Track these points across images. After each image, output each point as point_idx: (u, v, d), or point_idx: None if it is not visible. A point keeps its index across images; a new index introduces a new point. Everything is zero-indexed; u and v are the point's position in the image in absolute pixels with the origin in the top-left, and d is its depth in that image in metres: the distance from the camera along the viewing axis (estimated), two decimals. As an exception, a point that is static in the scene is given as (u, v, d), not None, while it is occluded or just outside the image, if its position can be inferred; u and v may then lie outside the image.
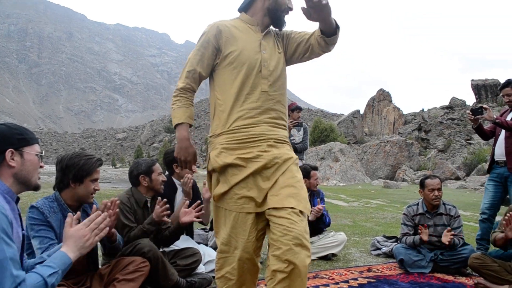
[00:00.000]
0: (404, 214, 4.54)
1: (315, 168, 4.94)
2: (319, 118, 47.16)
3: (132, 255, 2.97)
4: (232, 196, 2.31)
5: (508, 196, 4.63)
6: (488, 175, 4.81)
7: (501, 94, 4.66)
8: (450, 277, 3.99)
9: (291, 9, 2.48)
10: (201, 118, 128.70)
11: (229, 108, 2.36)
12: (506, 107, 4.76)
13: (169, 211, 3.19)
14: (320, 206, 4.65)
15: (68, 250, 1.80)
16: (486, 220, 4.65)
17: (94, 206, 2.57)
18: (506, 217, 3.44)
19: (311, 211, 4.63)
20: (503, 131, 4.57)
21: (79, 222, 1.92)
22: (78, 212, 2.04)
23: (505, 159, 4.50)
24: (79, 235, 1.84)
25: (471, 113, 4.60)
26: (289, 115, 6.47)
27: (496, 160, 4.65)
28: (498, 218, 4.50)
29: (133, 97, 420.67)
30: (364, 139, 50.21)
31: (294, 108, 6.45)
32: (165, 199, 3.19)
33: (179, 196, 3.94)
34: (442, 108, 53.14)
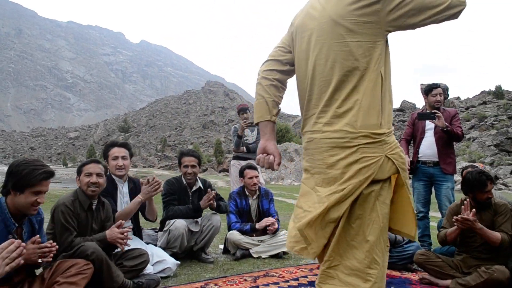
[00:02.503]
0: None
1: (250, 167, 4.98)
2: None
3: (75, 257, 2.86)
4: None
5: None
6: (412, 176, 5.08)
7: (433, 93, 4.92)
8: (397, 273, 4.10)
9: None
10: (156, 118, 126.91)
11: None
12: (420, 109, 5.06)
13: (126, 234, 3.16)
14: (272, 222, 4.75)
15: None
16: (423, 217, 4.94)
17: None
18: (459, 217, 3.55)
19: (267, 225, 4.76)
20: (429, 133, 4.89)
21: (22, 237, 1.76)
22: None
23: (436, 159, 4.82)
24: None
25: (418, 118, 4.88)
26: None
27: (423, 160, 4.91)
28: (432, 213, 4.71)
29: (86, 95, 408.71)
30: (319, 140, 51.03)
31: (240, 110, 6.53)
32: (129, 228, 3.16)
33: (122, 194, 3.87)
34: (394, 110, 54.76)
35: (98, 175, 3.23)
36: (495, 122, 35.02)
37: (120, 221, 3.20)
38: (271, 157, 2.04)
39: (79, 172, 3.29)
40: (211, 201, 4.33)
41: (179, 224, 4.15)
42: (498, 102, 42.09)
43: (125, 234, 3.15)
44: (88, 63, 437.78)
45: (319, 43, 1.89)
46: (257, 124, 2.12)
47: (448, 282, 3.66)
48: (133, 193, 3.89)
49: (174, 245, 4.17)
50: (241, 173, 5.00)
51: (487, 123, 35.46)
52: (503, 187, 18.85)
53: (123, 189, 3.89)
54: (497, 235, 3.57)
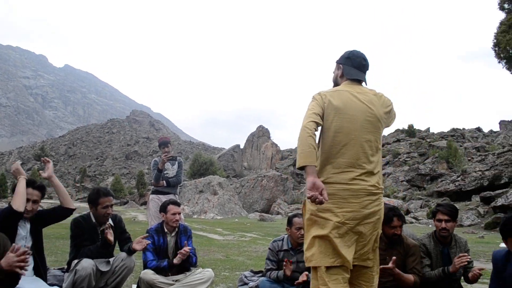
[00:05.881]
0: (269, 249, 4.66)
1: (174, 203, 4.86)
2: (199, 151, 47.30)
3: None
4: None
5: None
6: None
7: None
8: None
9: None
10: (76, 146, 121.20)
11: None
12: None
13: None
14: (186, 249, 4.59)
15: None
16: None
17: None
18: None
19: (178, 253, 4.57)
20: None
21: None
22: None
23: None
24: None
25: None
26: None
27: None
28: None
29: (1, 120, 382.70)
30: (243, 173, 51.34)
31: (162, 144, 6.50)
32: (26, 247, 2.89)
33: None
34: (316, 145, 56.59)
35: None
36: (408, 159, 37.37)
37: (14, 244, 2.94)
38: (325, 194, 2.64)
39: None
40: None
41: (86, 264, 3.91)
42: (410, 140, 45.08)
43: (23, 257, 2.84)
44: (5, 86, 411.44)
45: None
46: (303, 168, 2.74)
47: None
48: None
49: (81, 287, 3.92)
50: (163, 208, 4.84)
51: (400, 160, 37.73)
52: (414, 220, 19.95)
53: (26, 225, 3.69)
54: (411, 278, 3.78)
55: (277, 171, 38.21)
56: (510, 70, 22.90)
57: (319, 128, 2.92)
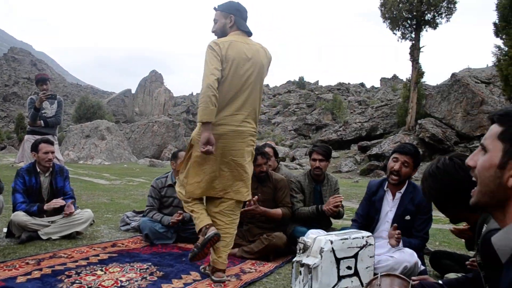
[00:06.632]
0: (152, 186, 4.64)
1: (47, 141, 4.53)
2: (86, 94, 44.55)
3: None
4: None
5: None
6: None
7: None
8: (191, 246, 4.22)
9: None
10: None
11: None
12: None
13: None
14: (71, 210, 4.40)
15: None
16: None
17: None
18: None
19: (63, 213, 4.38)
20: None
21: None
22: None
23: None
24: None
25: None
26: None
27: None
28: None
29: None
30: (134, 119, 49.77)
31: (39, 80, 6.00)
32: None
33: None
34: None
35: None
36: (297, 110, 39.02)
37: None
38: (214, 148, 2.98)
39: None
40: None
41: None
42: (300, 91, 46.92)
43: None
44: None
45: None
46: (208, 122, 2.93)
47: (235, 250, 3.95)
48: None
49: None
50: (35, 147, 4.49)
51: (290, 110, 39.27)
52: (298, 166, 21.15)
53: None
54: (279, 212, 4.04)
55: (170, 117, 37.64)
56: (393, 31, 24.51)
57: None
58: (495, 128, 1.17)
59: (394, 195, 3.48)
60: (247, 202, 3.84)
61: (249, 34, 3.28)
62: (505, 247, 1.08)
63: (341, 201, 4.00)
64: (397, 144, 20.28)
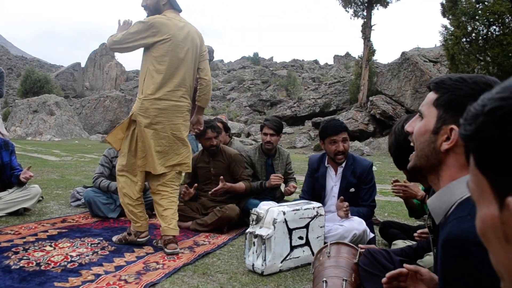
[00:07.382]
0: (104, 155, 4.55)
1: None
2: (33, 68, 42.42)
3: None
4: None
5: None
6: None
7: None
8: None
9: None
10: None
11: None
12: None
13: None
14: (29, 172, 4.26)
15: None
16: None
17: None
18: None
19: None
20: None
21: None
22: None
23: None
24: None
25: None
26: None
27: None
28: None
29: None
30: (84, 94, 48.11)
31: None
32: None
33: None
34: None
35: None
36: (252, 86, 38.97)
37: None
38: None
39: None
40: None
41: None
42: (255, 67, 46.81)
43: None
44: None
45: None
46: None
47: (188, 223, 3.97)
48: None
49: None
50: None
51: (244, 86, 39.17)
52: (253, 142, 21.29)
53: None
54: (242, 186, 4.10)
55: (122, 92, 36.64)
56: (345, 8, 24.78)
57: (158, 53, 3.17)
58: (431, 96, 1.23)
59: (336, 170, 3.55)
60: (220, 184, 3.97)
61: (179, 11, 3.36)
62: (438, 209, 1.15)
63: (280, 183, 4.22)
64: (349, 120, 20.76)
